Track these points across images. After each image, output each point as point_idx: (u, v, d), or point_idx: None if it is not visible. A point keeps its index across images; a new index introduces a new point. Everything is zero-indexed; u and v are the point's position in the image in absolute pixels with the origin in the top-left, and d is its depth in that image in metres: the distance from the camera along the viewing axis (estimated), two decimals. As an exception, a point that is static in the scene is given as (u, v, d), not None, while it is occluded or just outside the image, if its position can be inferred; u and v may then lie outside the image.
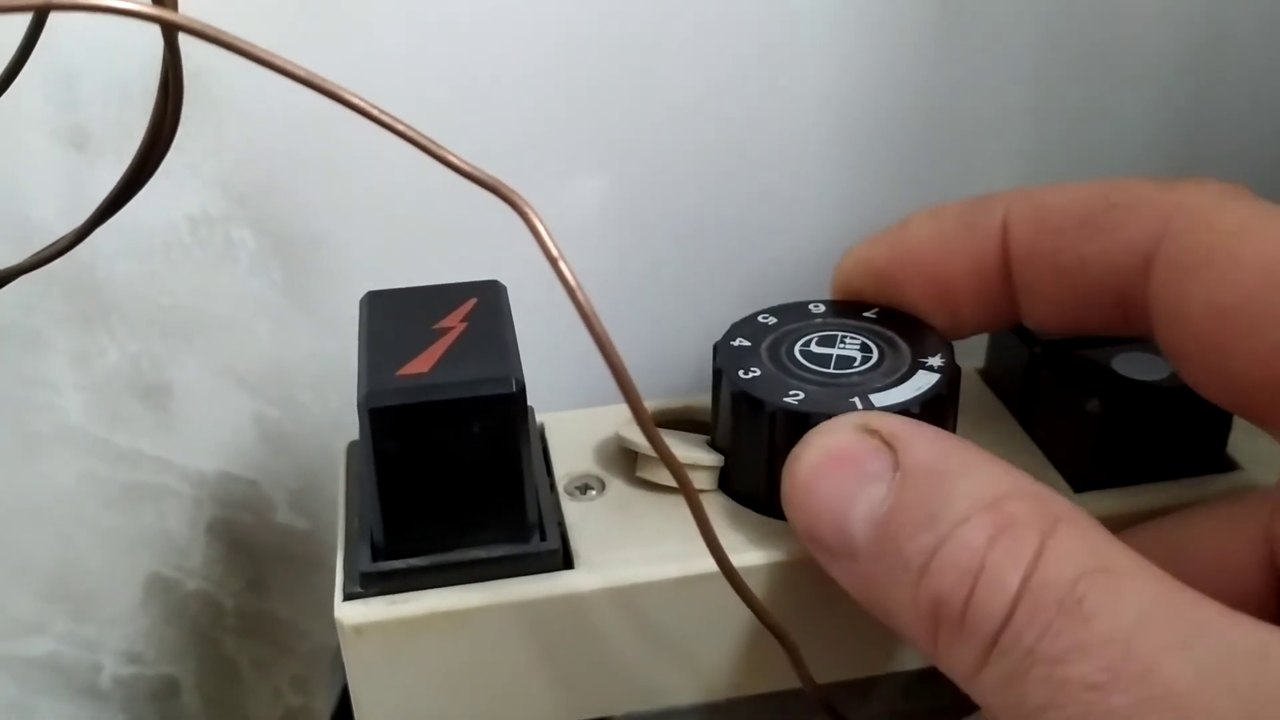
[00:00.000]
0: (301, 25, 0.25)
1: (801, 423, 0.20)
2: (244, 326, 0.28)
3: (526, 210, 0.15)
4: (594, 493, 0.22)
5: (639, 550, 0.21)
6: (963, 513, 0.16)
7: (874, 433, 0.18)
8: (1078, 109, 0.30)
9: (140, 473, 0.30)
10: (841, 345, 0.22)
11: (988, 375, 0.26)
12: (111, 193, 0.19)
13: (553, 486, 0.23)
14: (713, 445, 0.22)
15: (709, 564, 0.19)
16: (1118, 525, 0.21)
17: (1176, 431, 0.22)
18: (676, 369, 0.30)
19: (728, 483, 0.22)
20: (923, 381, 0.21)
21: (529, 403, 0.24)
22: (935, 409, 0.20)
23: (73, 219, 0.20)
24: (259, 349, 0.28)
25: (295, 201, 0.27)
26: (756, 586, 0.19)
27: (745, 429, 0.21)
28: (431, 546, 0.20)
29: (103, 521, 0.30)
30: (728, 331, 0.22)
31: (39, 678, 0.32)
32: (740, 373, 0.21)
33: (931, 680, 0.23)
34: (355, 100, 0.15)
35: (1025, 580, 0.15)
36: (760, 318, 0.23)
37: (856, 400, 0.20)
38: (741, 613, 0.20)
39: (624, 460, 0.23)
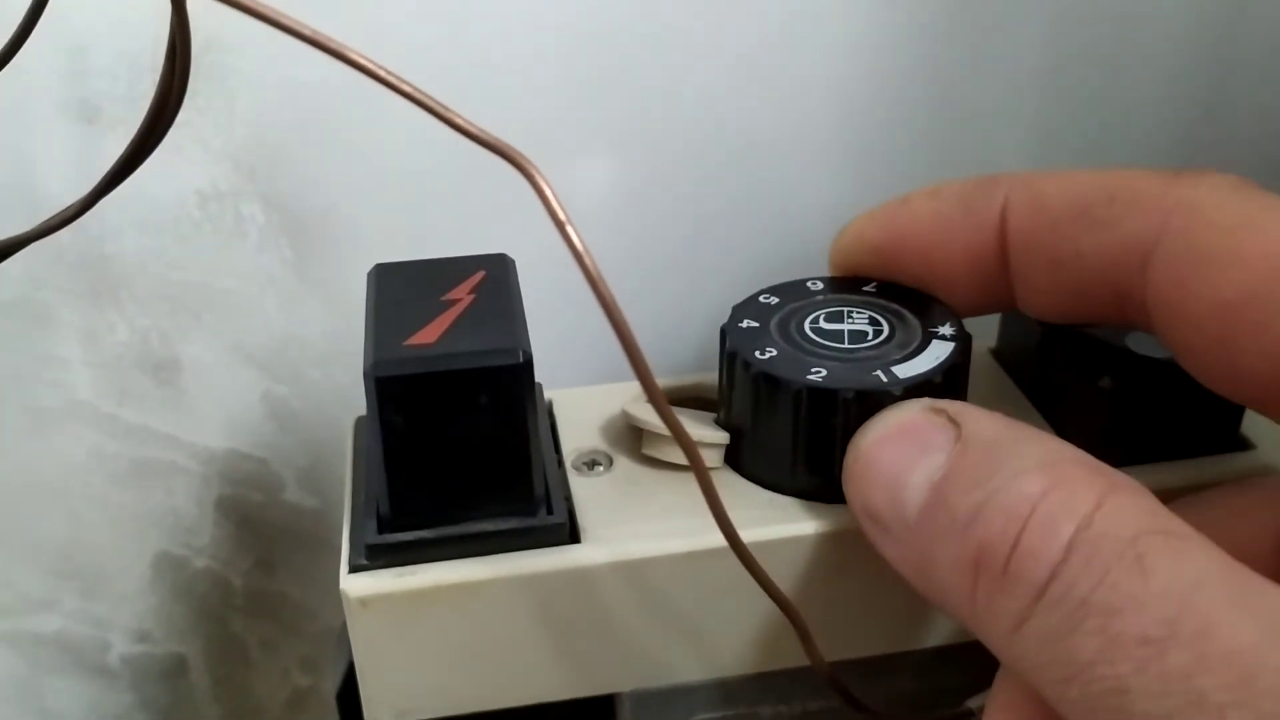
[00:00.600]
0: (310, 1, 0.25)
1: (830, 399, 0.19)
2: (253, 302, 0.28)
3: (534, 173, 0.15)
4: (601, 468, 0.22)
5: (646, 525, 0.21)
6: (1017, 469, 0.16)
7: (940, 411, 0.18)
8: (1087, 96, 0.30)
9: (149, 449, 0.30)
10: (850, 320, 0.22)
11: (999, 354, 0.25)
12: (118, 161, 0.19)
13: (560, 462, 0.22)
14: (719, 423, 0.22)
15: (717, 539, 0.19)
16: (1131, 503, 0.21)
17: (1190, 409, 0.22)
18: (684, 349, 0.30)
19: (738, 460, 0.22)
20: (940, 351, 0.21)
21: (537, 380, 0.24)
22: (954, 377, 0.20)
23: (82, 193, 0.20)
24: (268, 325, 0.28)
25: (305, 177, 0.27)
26: (765, 563, 0.19)
27: (766, 408, 0.21)
28: (438, 519, 0.20)
29: (111, 498, 0.30)
30: (732, 314, 0.22)
31: (48, 655, 0.32)
32: (757, 354, 0.21)
33: (942, 661, 0.23)
34: (361, 60, 0.15)
35: (1081, 530, 0.15)
36: (761, 298, 0.22)
37: (880, 374, 0.20)
38: (749, 589, 0.20)
39: (632, 437, 0.23)
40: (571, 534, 0.20)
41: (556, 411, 0.24)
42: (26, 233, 0.20)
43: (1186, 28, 0.30)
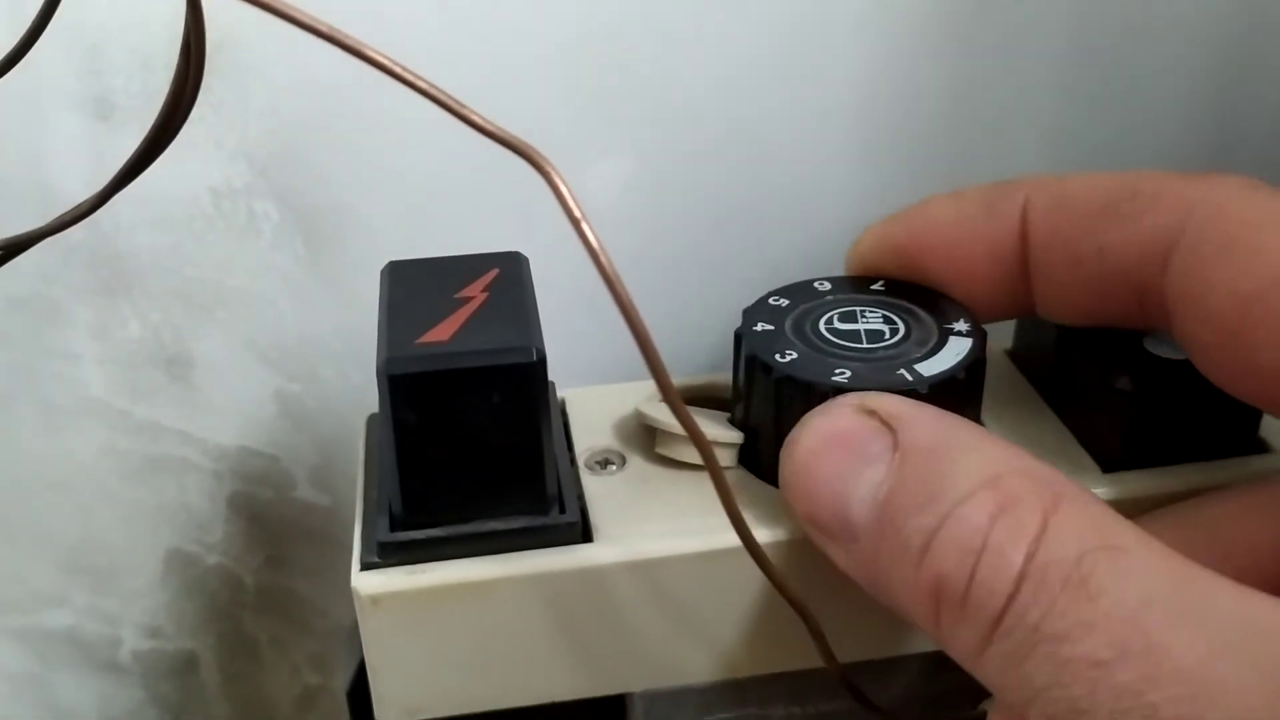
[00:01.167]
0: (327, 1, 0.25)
1: None
2: (266, 300, 0.28)
3: (549, 170, 0.15)
4: (614, 467, 0.22)
5: (659, 525, 0.21)
6: (963, 491, 0.16)
7: (872, 413, 0.18)
8: (1105, 102, 0.30)
9: (161, 446, 0.30)
10: (864, 320, 0.21)
11: (1016, 356, 0.25)
12: (132, 157, 0.19)
13: (573, 461, 0.22)
14: (734, 423, 0.22)
15: (730, 539, 0.19)
16: (1147, 507, 0.21)
17: (1208, 411, 0.21)
18: (697, 349, 0.30)
19: (755, 461, 0.22)
20: (959, 347, 0.21)
21: (550, 378, 0.24)
22: (975, 373, 0.20)
23: (96, 190, 0.20)
24: (281, 323, 0.28)
25: (319, 175, 0.27)
26: (778, 562, 0.19)
27: (788, 411, 0.20)
28: (450, 517, 0.20)
29: (123, 494, 0.30)
30: (745, 317, 0.22)
31: (59, 651, 0.32)
32: (778, 357, 0.20)
33: (953, 663, 0.22)
34: (378, 57, 0.15)
35: (1029, 558, 0.15)
36: (771, 300, 0.22)
37: (904, 372, 0.20)
38: (762, 589, 0.20)
39: (644, 436, 0.23)
40: (584, 533, 0.20)
41: (569, 410, 0.24)
42: (39, 229, 0.20)
43: (1205, 36, 0.29)
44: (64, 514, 0.30)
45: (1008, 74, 0.29)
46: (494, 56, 0.26)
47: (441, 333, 0.19)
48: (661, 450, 0.22)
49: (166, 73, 0.24)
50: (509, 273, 0.21)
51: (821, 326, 0.22)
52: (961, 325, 0.21)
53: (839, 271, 0.24)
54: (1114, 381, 0.21)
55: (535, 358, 0.19)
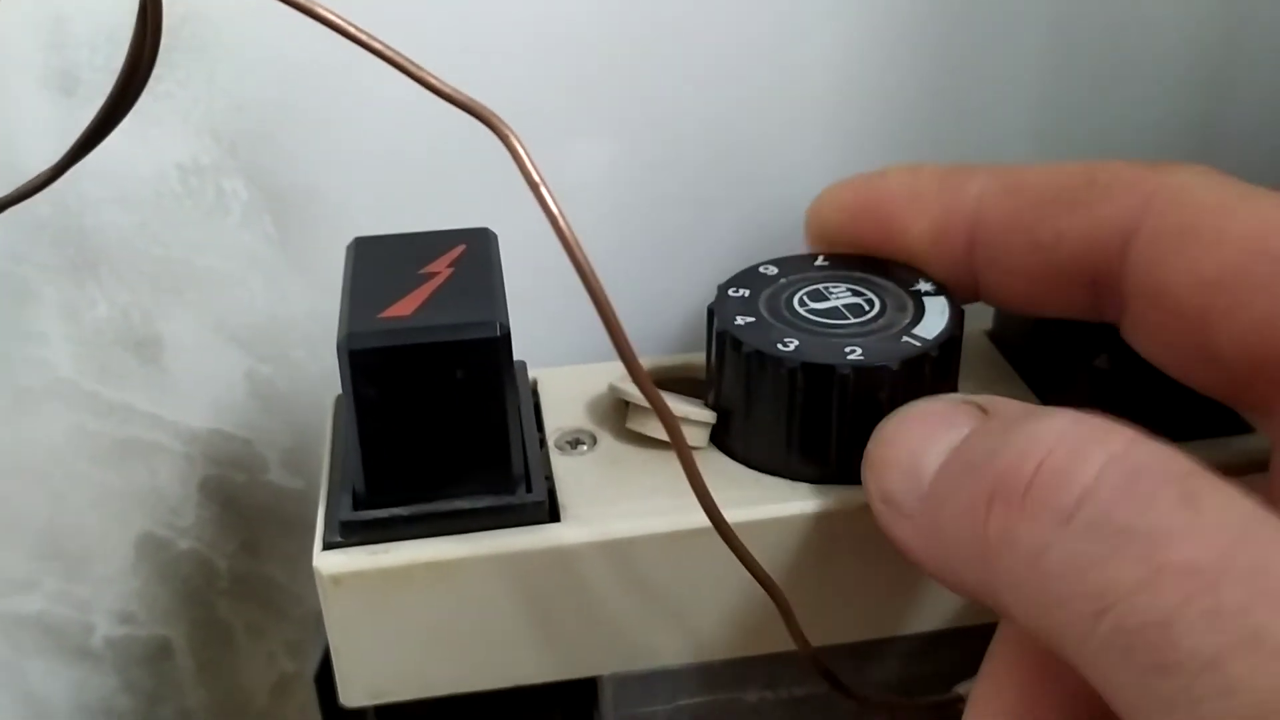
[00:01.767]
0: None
1: (878, 375, 0.19)
2: (236, 280, 0.28)
3: (507, 134, 0.14)
4: (585, 447, 0.22)
5: (629, 504, 0.20)
6: (1040, 413, 0.15)
7: (970, 402, 0.18)
8: (1087, 92, 0.30)
9: (131, 428, 0.29)
10: (834, 297, 0.21)
11: (995, 337, 0.25)
12: (90, 126, 0.19)
13: (543, 441, 0.22)
14: (709, 405, 0.22)
15: (700, 519, 0.18)
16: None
17: (1188, 391, 0.21)
18: (679, 335, 0.30)
19: (725, 441, 0.21)
20: (939, 305, 0.21)
21: (525, 360, 0.23)
22: (961, 324, 0.20)
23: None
24: (251, 304, 0.28)
25: (288, 152, 0.26)
26: (750, 544, 0.19)
27: (807, 398, 0.20)
28: (414, 496, 0.19)
29: (94, 478, 0.30)
30: (718, 316, 0.21)
31: (30, 637, 0.32)
32: (780, 346, 0.20)
33: (931, 646, 0.22)
34: (331, 17, 0.14)
35: (1115, 459, 0.14)
36: (731, 291, 0.22)
37: (909, 340, 0.20)
38: (734, 571, 0.20)
39: (617, 416, 0.22)
40: (551, 512, 0.20)
41: (541, 390, 0.23)
42: (-4, 199, 0.20)
43: (1188, 30, 0.29)
44: (33, 498, 0.30)
45: (988, 63, 0.29)
46: (475, 40, 0.26)
47: (404, 308, 0.19)
48: (633, 426, 0.22)
49: (130, 45, 0.24)
50: (476, 249, 0.21)
51: (800, 309, 0.21)
52: (924, 285, 0.21)
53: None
54: (1092, 361, 0.21)
55: (499, 333, 0.18)
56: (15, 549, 0.30)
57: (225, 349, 0.28)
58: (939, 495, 0.16)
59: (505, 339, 0.18)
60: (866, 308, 0.21)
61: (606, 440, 0.22)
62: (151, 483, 0.30)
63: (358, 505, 0.19)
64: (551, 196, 0.14)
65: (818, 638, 0.20)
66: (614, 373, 0.23)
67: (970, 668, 0.19)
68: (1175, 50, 0.29)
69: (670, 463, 0.20)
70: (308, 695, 0.34)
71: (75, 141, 0.19)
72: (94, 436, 0.29)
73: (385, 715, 0.21)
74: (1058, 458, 0.14)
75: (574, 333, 0.26)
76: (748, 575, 0.19)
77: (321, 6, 0.14)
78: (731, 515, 0.19)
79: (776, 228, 0.29)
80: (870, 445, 0.19)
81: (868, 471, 0.18)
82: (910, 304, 0.21)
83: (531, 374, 0.24)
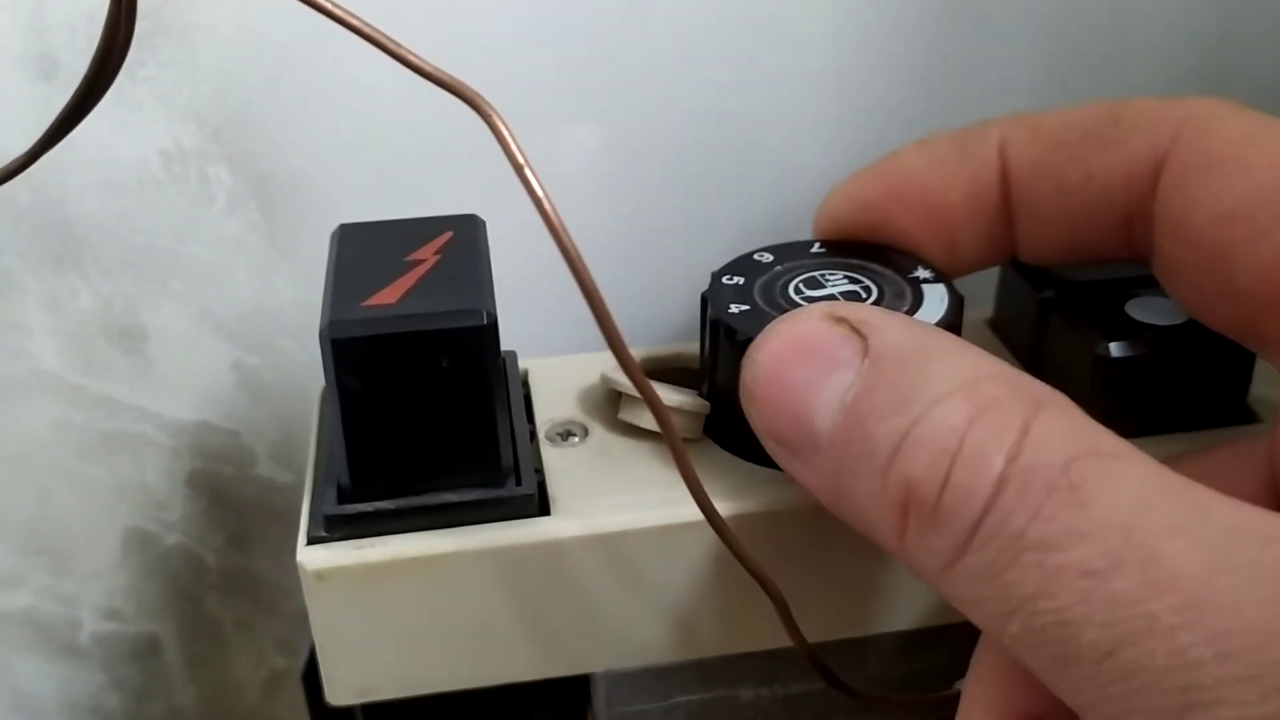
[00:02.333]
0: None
1: None
2: (222, 269, 0.27)
3: (490, 114, 0.14)
4: (576, 439, 0.21)
5: (620, 497, 0.20)
6: (938, 393, 0.15)
7: (842, 320, 0.17)
8: (1084, 72, 0.29)
9: (117, 421, 0.29)
10: (831, 284, 0.21)
11: (996, 325, 0.24)
12: (65, 108, 0.18)
13: (533, 433, 0.22)
14: (703, 396, 0.21)
15: (693, 512, 0.18)
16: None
17: (1193, 378, 0.21)
18: (670, 321, 0.29)
19: (719, 433, 0.21)
20: (938, 293, 0.20)
21: (516, 350, 0.23)
22: (962, 310, 0.20)
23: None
24: (237, 293, 0.27)
25: (273, 138, 0.26)
26: (744, 537, 0.18)
27: None
28: (400, 489, 0.19)
29: (79, 472, 0.29)
30: (712, 304, 0.20)
31: (17, 634, 0.31)
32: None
33: (928, 642, 0.22)
34: (303, -8, 0.14)
35: (1011, 460, 0.14)
36: (724, 279, 0.21)
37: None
38: (727, 566, 0.19)
39: (609, 407, 0.22)
40: (541, 506, 0.20)
41: (532, 381, 0.23)
42: (-32, 185, 0.19)
43: (1184, 17, 0.29)
44: (18, 492, 0.29)
45: (984, 42, 0.28)
46: (462, 25, 0.25)
47: (388, 296, 0.18)
48: (624, 416, 0.21)
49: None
50: (463, 236, 0.20)
51: (796, 297, 0.21)
52: (923, 273, 0.21)
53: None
54: (1095, 347, 0.21)
55: (485, 321, 0.18)
56: (1, 544, 0.30)
57: (211, 339, 0.28)
58: (839, 462, 0.16)
59: (492, 327, 0.18)
60: (864, 295, 0.20)
61: (598, 432, 0.21)
62: (138, 476, 0.29)
63: (343, 499, 0.19)
64: (536, 178, 0.14)
65: (813, 633, 0.19)
66: (607, 363, 0.23)
67: (968, 664, 0.18)
68: (1171, 38, 0.29)
69: (663, 454, 0.20)
70: (298, 692, 0.33)
71: (50, 126, 0.19)
72: (79, 430, 0.29)
73: (373, 714, 0.21)
74: (962, 471, 0.14)
75: (568, 323, 0.25)
76: (742, 570, 0.18)
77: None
78: (725, 508, 0.18)
79: (771, 213, 0.29)
80: (746, 373, 0.18)
81: (749, 404, 0.18)
82: (909, 291, 0.20)
83: (523, 364, 0.23)
